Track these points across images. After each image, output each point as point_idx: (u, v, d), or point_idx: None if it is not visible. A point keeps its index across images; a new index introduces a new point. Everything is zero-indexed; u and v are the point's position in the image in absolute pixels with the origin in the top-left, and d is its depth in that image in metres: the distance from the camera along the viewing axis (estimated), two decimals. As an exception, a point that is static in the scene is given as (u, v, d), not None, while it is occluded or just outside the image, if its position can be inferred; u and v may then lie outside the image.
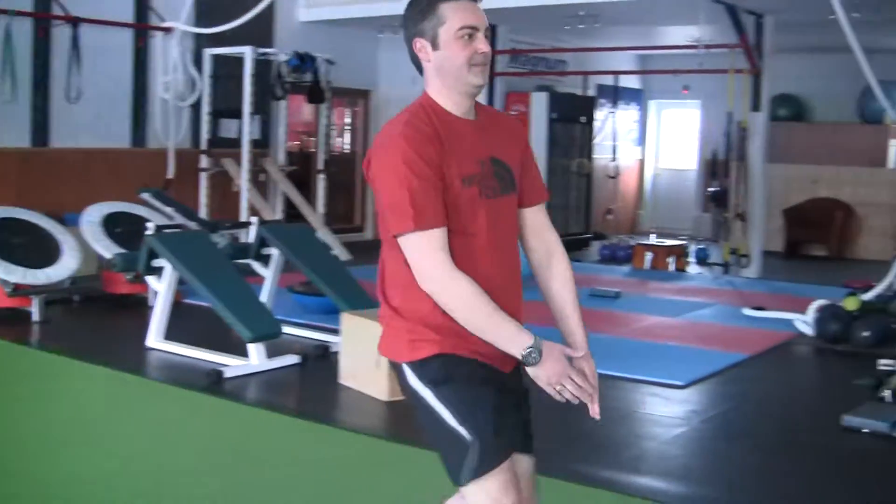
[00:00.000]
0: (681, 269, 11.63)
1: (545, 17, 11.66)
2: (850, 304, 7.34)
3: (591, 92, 14.60)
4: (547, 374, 2.51)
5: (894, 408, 5.37)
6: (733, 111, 11.14)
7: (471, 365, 2.58)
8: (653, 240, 12.62)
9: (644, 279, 10.88)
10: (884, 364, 6.06)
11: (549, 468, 4.32)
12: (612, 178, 14.85)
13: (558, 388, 2.53)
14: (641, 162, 16.58)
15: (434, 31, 2.59)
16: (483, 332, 2.52)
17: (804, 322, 7.55)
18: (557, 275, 2.77)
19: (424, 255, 2.50)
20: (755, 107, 11.07)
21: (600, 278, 10.43)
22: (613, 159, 14.88)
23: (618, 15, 10.75)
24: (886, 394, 5.60)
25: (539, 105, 12.98)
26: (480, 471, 2.51)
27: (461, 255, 2.54)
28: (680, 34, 12.24)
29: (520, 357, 2.51)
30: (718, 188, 11.82)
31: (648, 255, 11.77)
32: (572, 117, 13.51)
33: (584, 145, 13.77)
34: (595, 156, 14.10)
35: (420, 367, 2.59)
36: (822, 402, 5.95)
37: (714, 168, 12.75)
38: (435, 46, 2.60)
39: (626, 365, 6.58)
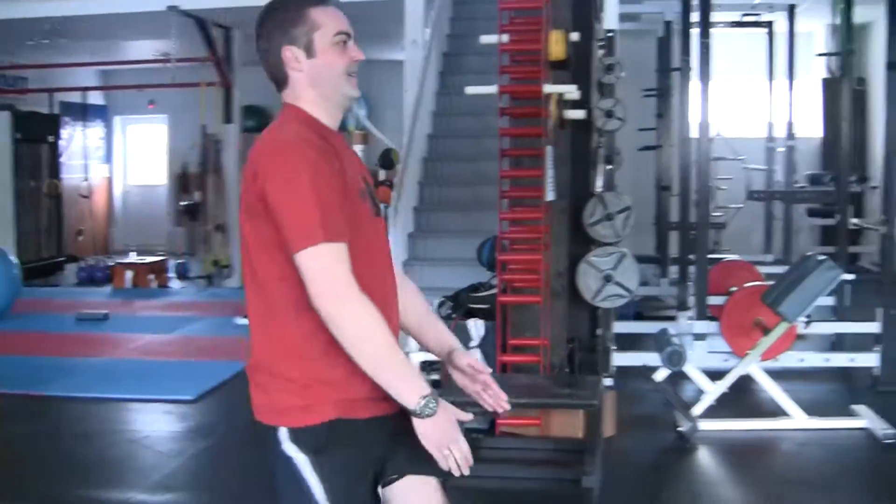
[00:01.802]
0: (163, 286, 11.49)
1: (3, 33, 10.91)
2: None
3: (56, 110, 13.92)
4: (439, 435, 2.21)
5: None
6: (206, 124, 11.18)
7: (361, 430, 2.28)
8: (131, 258, 12.35)
9: (129, 299, 10.57)
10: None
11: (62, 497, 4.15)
12: (86, 197, 14.26)
13: (445, 452, 2.22)
14: (109, 180, 16.08)
15: (308, 38, 2.33)
16: (377, 367, 2.18)
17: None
18: (408, 287, 2.56)
19: (329, 268, 2.16)
20: (227, 119, 11.20)
21: (84, 302, 9.96)
22: (86, 179, 14.30)
23: (84, 30, 10.33)
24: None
25: (1, 125, 12.14)
26: None
27: (361, 279, 2.21)
28: (148, 48, 12.05)
29: (414, 406, 2.19)
30: (192, 201, 11.82)
31: (129, 274, 11.49)
32: (38, 137, 12.81)
33: (53, 165, 13.11)
34: (65, 175, 13.49)
35: (304, 431, 2.25)
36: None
37: (186, 181, 12.72)
38: (310, 54, 2.34)
39: (130, 386, 6.42)
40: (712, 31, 6.26)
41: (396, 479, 2.36)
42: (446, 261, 7.49)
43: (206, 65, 10.84)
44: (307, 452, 2.24)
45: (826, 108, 12.35)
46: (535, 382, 4.97)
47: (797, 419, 5.21)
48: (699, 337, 6.05)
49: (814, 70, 11.01)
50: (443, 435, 2.21)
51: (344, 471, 2.27)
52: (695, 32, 6.67)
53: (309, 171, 2.18)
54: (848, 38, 6.04)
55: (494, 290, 5.67)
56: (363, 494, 2.33)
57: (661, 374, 5.53)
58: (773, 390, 5.34)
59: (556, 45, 5.16)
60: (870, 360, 6.03)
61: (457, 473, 2.24)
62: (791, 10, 8.52)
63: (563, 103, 5.34)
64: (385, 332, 2.17)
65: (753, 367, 5.38)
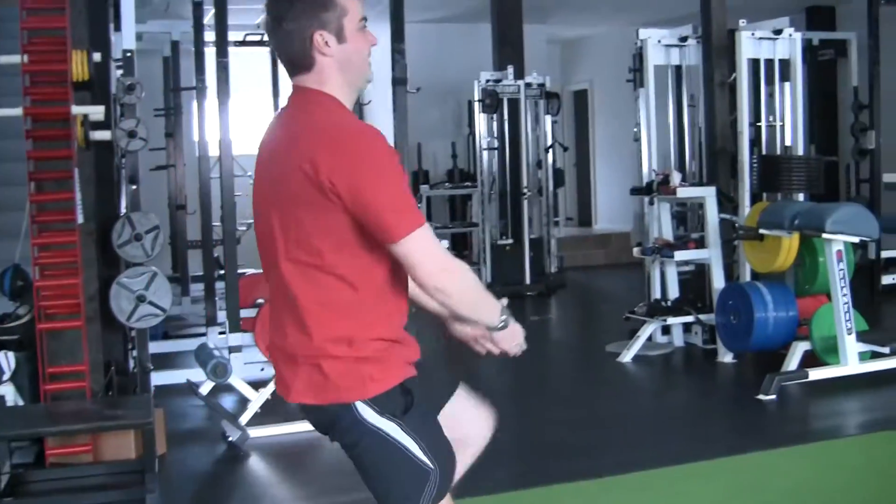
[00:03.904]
0: None
1: None
2: None
3: None
4: (513, 336, 2.55)
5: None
6: None
7: (415, 384, 2.44)
8: None
9: None
10: None
11: None
12: None
13: (515, 349, 2.57)
14: None
15: (339, 23, 2.39)
16: (475, 310, 2.52)
17: None
18: None
19: (434, 247, 2.37)
20: None
21: None
22: None
23: None
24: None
25: None
26: (438, 498, 2.48)
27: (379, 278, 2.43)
28: None
29: (497, 324, 2.54)
30: None
31: None
32: None
33: None
34: None
35: (380, 400, 2.41)
36: None
37: None
38: (340, 39, 2.40)
39: None
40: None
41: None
42: (-45, 294, 7.14)
43: None
44: (392, 418, 2.41)
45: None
46: (84, 408, 5.02)
47: (339, 417, 5.70)
48: (235, 349, 6.35)
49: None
50: (517, 334, 2.57)
51: (426, 421, 2.50)
52: (208, 52, 6.99)
53: (391, 160, 2.32)
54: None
55: (24, 320, 5.62)
56: (441, 432, 2.56)
57: (206, 388, 5.79)
58: (313, 392, 5.78)
59: (80, 65, 5.24)
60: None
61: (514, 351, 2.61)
62: (295, 30, 9.08)
63: (88, 124, 5.42)
64: (472, 280, 2.47)
65: (294, 372, 5.79)
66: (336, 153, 2.30)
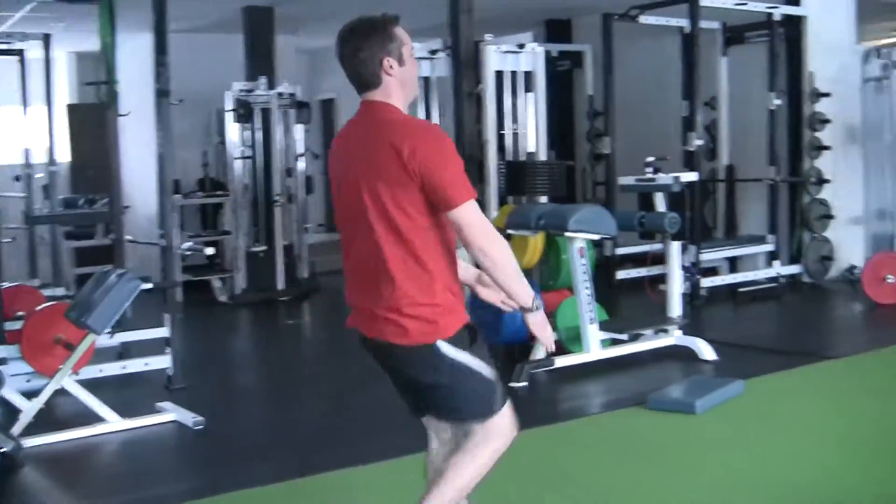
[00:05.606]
0: None
1: None
2: None
3: None
4: (542, 322, 3.24)
5: None
6: None
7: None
8: None
9: None
10: None
11: None
12: None
13: (546, 334, 3.28)
14: None
15: (399, 51, 3.19)
16: (510, 281, 3.15)
17: None
18: None
19: (482, 216, 3.10)
20: None
21: None
22: None
23: None
24: None
25: None
26: (504, 401, 3.30)
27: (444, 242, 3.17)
28: None
29: (530, 304, 3.20)
30: None
31: None
32: None
33: None
34: None
35: (453, 339, 3.15)
36: None
37: None
38: (401, 63, 3.19)
39: None
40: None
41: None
42: None
43: None
44: (463, 349, 3.19)
45: (73, 133, 13.10)
46: None
47: (114, 422, 5.88)
48: (1, 362, 6.36)
49: (58, 96, 11.62)
50: (543, 322, 3.28)
51: (480, 351, 3.26)
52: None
53: (451, 147, 3.12)
54: (114, 67, 6.79)
55: None
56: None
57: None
58: (87, 399, 5.92)
59: None
60: (163, 362, 6.91)
61: (550, 346, 3.43)
62: (46, 38, 9.08)
63: None
64: (511, 255, 3.17)
65: (66, 380, 5.91)
66: (412, 140, 3.07)
